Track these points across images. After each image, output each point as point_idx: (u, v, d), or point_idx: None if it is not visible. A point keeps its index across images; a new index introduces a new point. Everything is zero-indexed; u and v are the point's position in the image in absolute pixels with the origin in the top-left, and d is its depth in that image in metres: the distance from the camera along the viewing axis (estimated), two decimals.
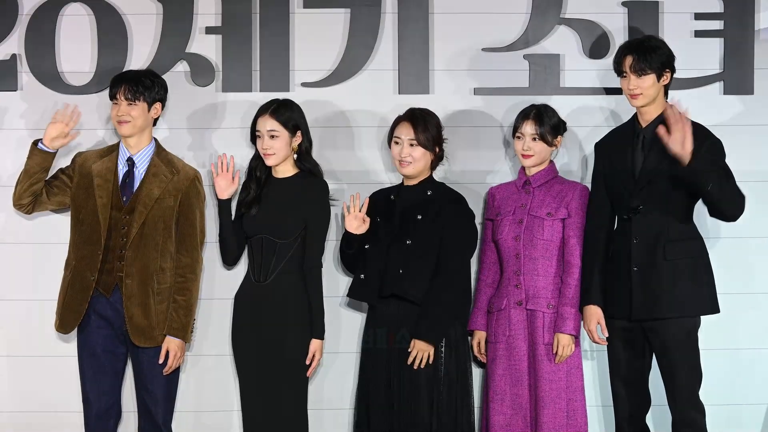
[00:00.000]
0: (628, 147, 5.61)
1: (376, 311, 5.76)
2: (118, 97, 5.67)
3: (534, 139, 5.74)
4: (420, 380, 5.65)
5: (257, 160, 5.80)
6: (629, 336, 5.61)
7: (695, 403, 5.54)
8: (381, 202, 5.82)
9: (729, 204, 5.48)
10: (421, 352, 5.64)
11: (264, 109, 5.76)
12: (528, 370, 5.69)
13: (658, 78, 5.56)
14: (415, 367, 5.65)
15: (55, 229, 5.86)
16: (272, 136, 5.73)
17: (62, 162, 5.84)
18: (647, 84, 5.55)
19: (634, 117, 5.66)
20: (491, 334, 5.77)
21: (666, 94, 5.61)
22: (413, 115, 5.79)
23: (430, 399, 5.66)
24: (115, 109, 5.69)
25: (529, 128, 5.74)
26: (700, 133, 5.51)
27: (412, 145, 5.75)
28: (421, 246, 5.71)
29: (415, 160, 5.75)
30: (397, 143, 5.77)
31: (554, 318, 5.68)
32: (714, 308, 5.60)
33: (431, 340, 5.65)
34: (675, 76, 5.64)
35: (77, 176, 5.72)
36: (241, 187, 5.83)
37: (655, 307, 5.51)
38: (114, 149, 5.75)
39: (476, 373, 5.89)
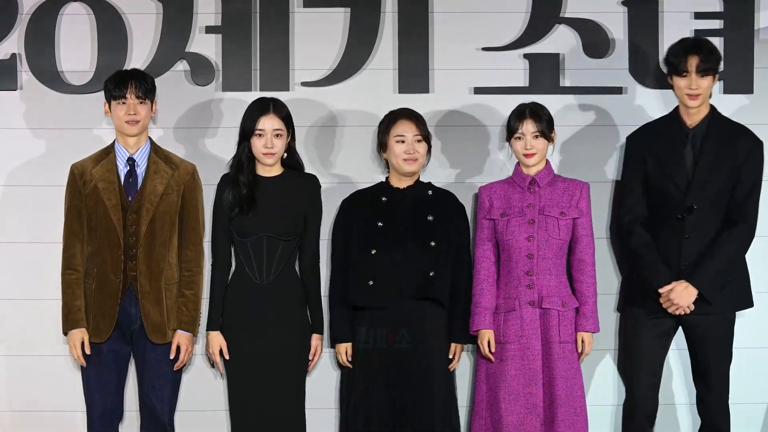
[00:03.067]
0: (678, 147, 5.66)
1: (382, 312, 5.72)
2: (128, 96, 5.62)
3: (536, 137, 5.73)
4: (433, 380, 5.67)
5: (248, 161, 5.72)
6: (661, 331, 5.70)
7: (726, 401, 5.72)
8: (369, 205, 5.79)
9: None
10: (459, 355, 5.79)
11: (265, 108, 5.72)
12: (542, 369, 5.69)
13: (713, 79, 5.65)
14: (451, 368, 5.75)
15: (55, 229, 5.84)
16: (277, 135, 5.72)
17: (57, 174, 5.81)
18: (707, 85, 5.62)
19: (677, 116, 5.70)
20: (500, 335, 5.73)
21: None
22: (410, 112, 5.79)
23: (445, 399, 5.70)
24: (122, 108, 5.63)
25: (530, 126, 5.73)
26: (744, 137, 5.67)
27: (418, 141, 5.75)
28: (444, 247, 5.73)
29: (421, 156, 5.76)
30: (401, 141, 5.76)
31: (571, 317, 5.70)
32: (749, 302, 5.75)
33: (463, 341, 5.78)
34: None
35: (83, 186, 5.66)
36: (226, 191, 5.75)
37: (704, 303, 5.61)
38: (109, 151, 5.71)
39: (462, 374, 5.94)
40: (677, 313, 5.63)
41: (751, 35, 6.07)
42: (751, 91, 6.08)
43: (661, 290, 5.64)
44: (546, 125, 5.73)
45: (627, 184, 5.79)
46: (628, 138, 5.86)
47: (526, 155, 5.75)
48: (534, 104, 5.78)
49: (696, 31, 6.06)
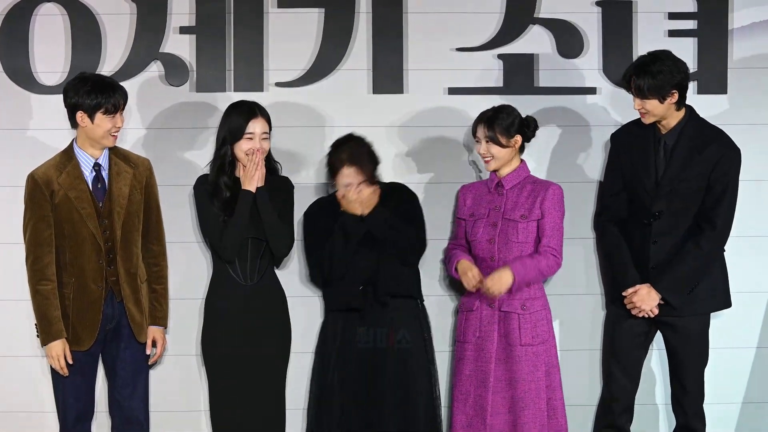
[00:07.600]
0: (650, 151, 5.67)
1: (356, 313, 5.73)
2: (120, 108, 5.54)
3: (487, 142, 5.73)
4: (415, 378, 5.70)
5: (229, 164, 5.72)
6: (638, 329, 5.72)
7: (701, 404, 5.73)
8: (332, 215, 5.76)
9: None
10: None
11: (252, 112, 5.70)
12: (495, 373, 5.67)
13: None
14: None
15: None
16: (265, 138, 5.72)
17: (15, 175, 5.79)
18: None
19: (652, 122, 5.70)
20: (460, 333, 5.77)
21: None
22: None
23: (426, 396, 5.72)
24: (110, 121, 5.53)
25: (480, 132, 5.74)
26: (716, 143, 5.63)
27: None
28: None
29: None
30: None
31: (533, 319, 5.67)
32: (727, 303, 5.75)
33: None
34: None
35: (51, 195, 5.57)
36: (216, 195, 5.76)
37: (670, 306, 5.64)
38: (71, 157, 5.62)
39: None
40: (640, 315, 5.64)
41: (724, 35, 6.08)
42: (724, 91, 6.09)
43: (624, 293, 5.67)
44: (502, 131, 5.69)
45: (605, 183, 5.83)
46: (612, 136, 5.88)
47: (483, 160, 5.75)
48: (499, 108, 5.76)
49: (670, 31, 6.07)
